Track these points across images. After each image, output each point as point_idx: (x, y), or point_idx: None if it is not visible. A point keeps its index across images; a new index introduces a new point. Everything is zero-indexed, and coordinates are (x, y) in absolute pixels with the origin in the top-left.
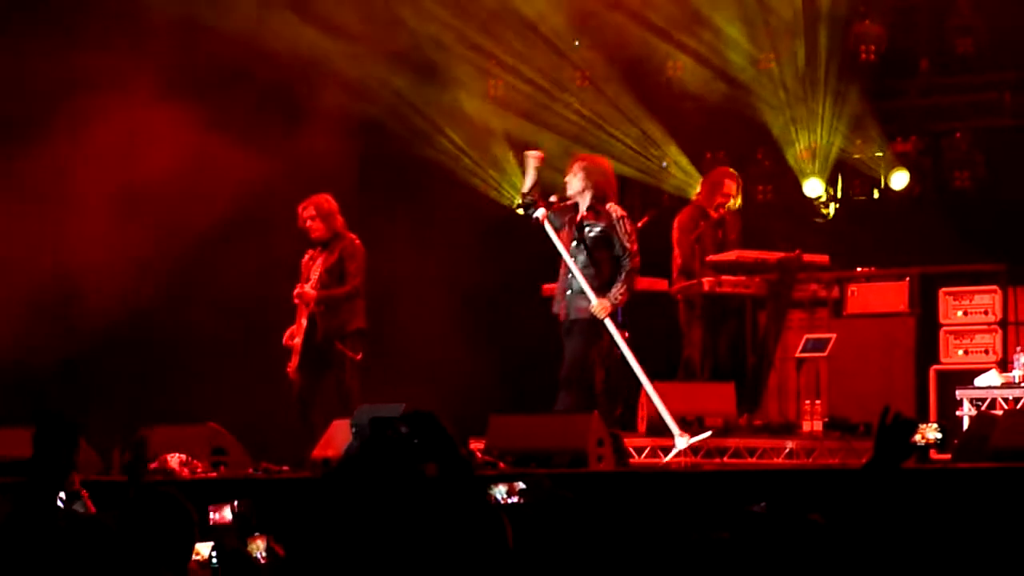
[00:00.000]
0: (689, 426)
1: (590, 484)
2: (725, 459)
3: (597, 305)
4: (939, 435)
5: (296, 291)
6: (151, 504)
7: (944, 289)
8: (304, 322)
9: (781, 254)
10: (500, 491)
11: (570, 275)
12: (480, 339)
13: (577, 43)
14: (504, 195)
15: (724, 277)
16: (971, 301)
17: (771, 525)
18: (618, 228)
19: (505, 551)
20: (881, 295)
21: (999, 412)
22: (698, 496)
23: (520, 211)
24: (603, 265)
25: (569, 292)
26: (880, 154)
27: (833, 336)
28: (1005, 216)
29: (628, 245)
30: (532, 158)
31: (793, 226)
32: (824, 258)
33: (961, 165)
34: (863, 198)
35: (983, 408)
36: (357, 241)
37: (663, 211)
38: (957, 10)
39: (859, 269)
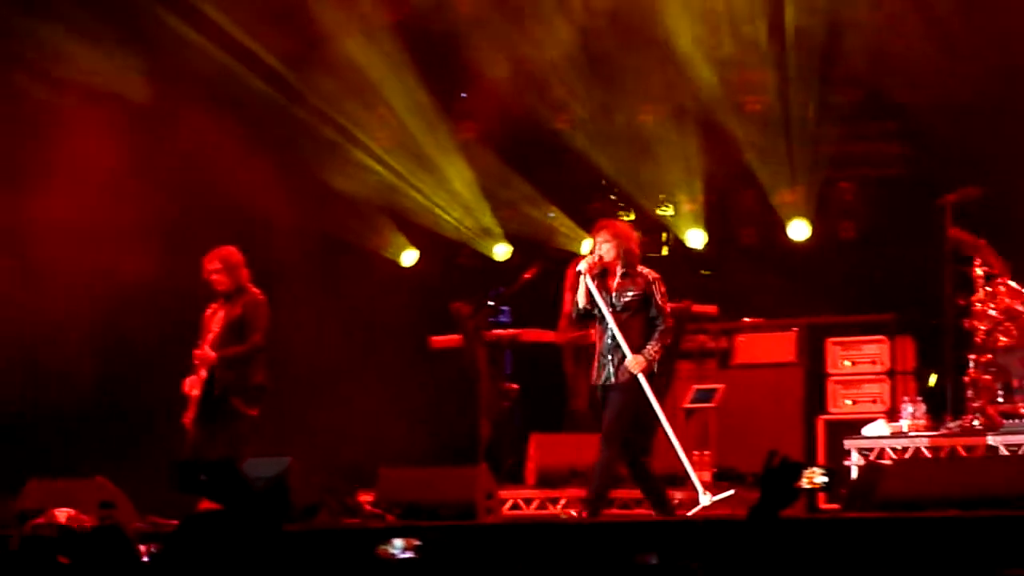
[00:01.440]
0: (568, 479)
1: (478, 537)
2: (613, 510)
3: (632, 360)
4: (825, 478)
5: (196, 352)
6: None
7: (831, 339)
8: (204, 373)
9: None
10: (397, 545)
11: (608, 339)
12: (375, 393)
13: (464, 95)
14: (388, 253)
15: None
16: (859, 351)
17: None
18: (654, 289)
19: None
20: (769, 345)
21: (887, 462)
22: (587, 547)
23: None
24: (634, 331)
25: (610, 356)
26: (769, 204)
27: (721, 387)
28: (892, 266)
29: (663, 305)
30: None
31: (681, 277)
32: (712, 308)
33: (847, 215)
34: (751, 246)
35: (871, 458)
36: (261, 296)
37: (549, 263)
38: (844, 61)
39: (747, 320)
